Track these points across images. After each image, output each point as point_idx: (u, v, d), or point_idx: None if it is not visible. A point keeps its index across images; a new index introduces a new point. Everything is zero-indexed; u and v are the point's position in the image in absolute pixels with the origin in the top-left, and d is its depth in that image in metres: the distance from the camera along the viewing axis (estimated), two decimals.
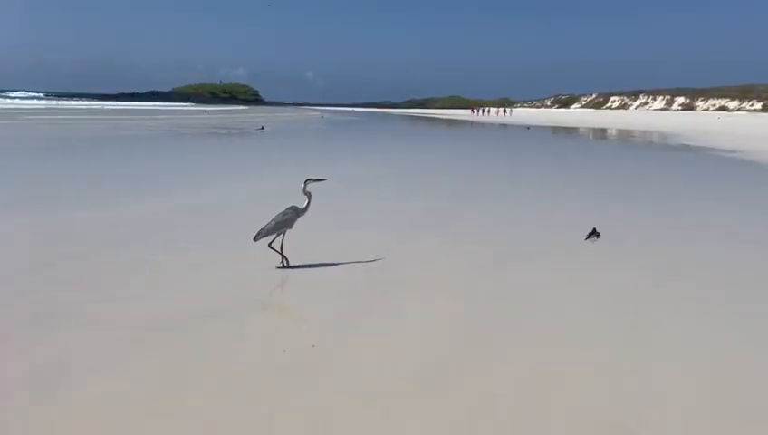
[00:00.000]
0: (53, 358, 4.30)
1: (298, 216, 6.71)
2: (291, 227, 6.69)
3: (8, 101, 79.98)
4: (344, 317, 5.38)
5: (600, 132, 50.95)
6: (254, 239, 6.45)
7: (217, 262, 6.94)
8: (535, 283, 6.62)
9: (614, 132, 50.79)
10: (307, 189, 6.75)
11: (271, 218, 6.55)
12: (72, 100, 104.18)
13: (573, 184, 15.78)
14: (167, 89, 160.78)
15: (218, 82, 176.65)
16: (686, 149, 30.17)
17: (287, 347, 4.62)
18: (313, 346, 4.66)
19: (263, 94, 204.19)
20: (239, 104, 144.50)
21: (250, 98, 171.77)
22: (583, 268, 7.29)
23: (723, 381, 4.35)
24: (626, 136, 44.66)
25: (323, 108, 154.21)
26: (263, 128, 40.79)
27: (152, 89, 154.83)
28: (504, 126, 60.86)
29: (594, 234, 8.90)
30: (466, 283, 6.52)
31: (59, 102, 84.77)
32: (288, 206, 6.68)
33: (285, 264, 6.67)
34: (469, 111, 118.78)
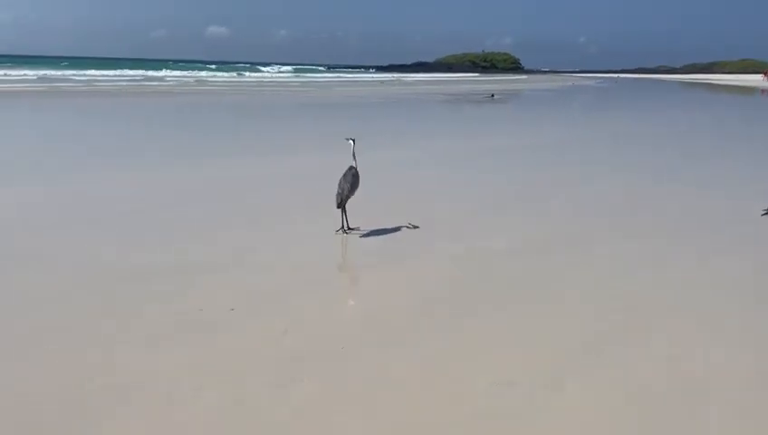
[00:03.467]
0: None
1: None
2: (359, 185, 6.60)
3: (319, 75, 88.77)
4: (294, 288, 5.03)
5: None
6: (339, 206, 6.37)
7: (253, 224, 7.07)
8: (547, 270, 5.49)
9: None
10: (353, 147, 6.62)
11: (339, 183, 6.35)
12: (356, 72, 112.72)
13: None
14: (431, 59, 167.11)
15: (480, 51, 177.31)
16: None
17: (208, 307, 4.50)
18: (232, 310, 4.47)
19: (524, 62, 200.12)
20: (497, 73, 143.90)
21: (509, 66, 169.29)
22: (627, 260, 5.76)
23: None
24: None
25: (590, 75, 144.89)
26: (493, 96, 40.01)
27: (418, 60, 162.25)
28: None
29: None
30: (468, 266, 5.70)
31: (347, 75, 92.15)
32: (350, 167, 6.51)
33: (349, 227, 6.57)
34: (761, 76, 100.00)
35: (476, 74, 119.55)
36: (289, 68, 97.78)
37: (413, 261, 5.78)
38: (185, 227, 6.78)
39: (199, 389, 3.41)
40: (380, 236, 6.48)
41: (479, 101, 35.20)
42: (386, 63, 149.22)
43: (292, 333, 4.17)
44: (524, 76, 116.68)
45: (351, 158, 6.56)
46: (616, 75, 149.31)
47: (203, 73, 60.22)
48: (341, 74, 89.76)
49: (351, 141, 6.61)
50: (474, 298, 4.92)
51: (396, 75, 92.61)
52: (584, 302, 4.88)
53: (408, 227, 6.69)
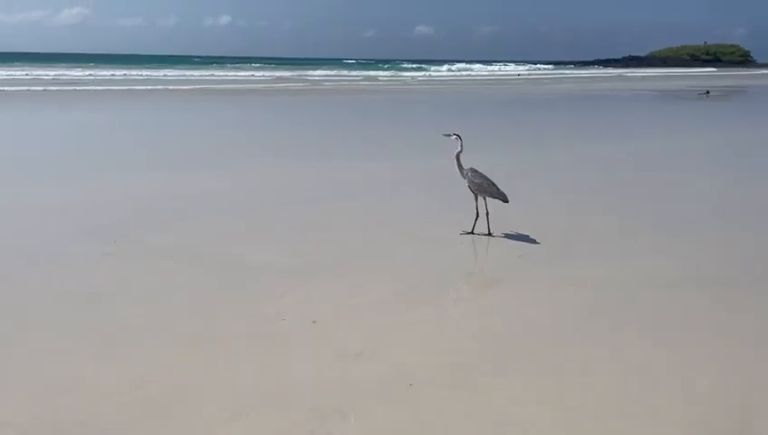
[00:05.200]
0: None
1: None
2: None
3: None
4: (388, 303, 4.49)
5: None
6: (508, 201, 5.83)
7: (383, 224, 6.65)
8: None
9: None
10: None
11: (489, 183, 5.88)
12: (562, 68, 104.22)
13: None
14: (643, 53, 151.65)
15: (701, 44, 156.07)
16: None
17: (291, 316, 4.20)
18: (314, 322, 4.10)
19: (758, 55, 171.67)
20: (723, 68, 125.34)
21: (737, 60, 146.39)
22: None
23: None
24: None
25: None
26: (708, 93, 34.70)
27: (629, 54, 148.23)
28: None
29: None
30: (599, 296, 4.58)
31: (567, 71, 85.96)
32: (471, 168, 5.95)
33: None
34: None
35: (697, 69, 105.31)
36: (524, 67, 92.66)
37: (535, 283, 4.89)
38: (318, 222, 6.64)
39: (239, 412, 3.09)
40: (510, 247, 5.68)
41: (690, 99, 30.82)
42: (591, 58, 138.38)
43: (364, 358, 3.67)
44: (762, 71, 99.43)
45: (456, 160, 5.95)
46: None
47: (412, 74, 60.75)
48: (565, 70, 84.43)
49: (457, 138, 5.96)
50: (591, 339, 3.95)
51: (618, 71, 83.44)
52: (744, 366, 3.62)
53: (531, 240, 5.77)
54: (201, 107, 22.27)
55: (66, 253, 5.36)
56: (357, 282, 4.86)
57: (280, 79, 43.68)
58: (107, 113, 19.36)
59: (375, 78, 49.89)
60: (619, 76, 63.18)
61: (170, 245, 5.65)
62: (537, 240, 5.87)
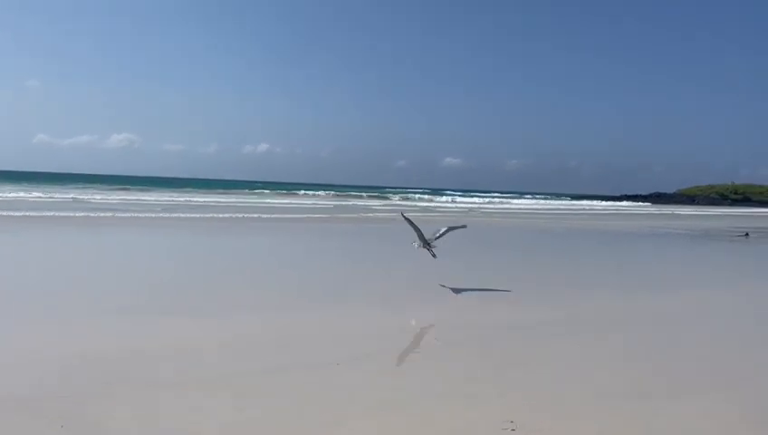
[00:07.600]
0: None
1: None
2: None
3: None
4: None
5: None
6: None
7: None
8: None
9: None
10: None
11: None
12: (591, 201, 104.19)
13: None
14: (671, 190, 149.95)
15: (729, 183, 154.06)
16: None
17: None
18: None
19: None
20: (752, 207, 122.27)
21: (766, 199, 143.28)
22: None
23: None
24: None
25: None
26: (747, 234, 32.65)
27: (656, 190, 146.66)
28: None
29: None
30: None
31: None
32: None
33: None
34: None
35: (728, 208, 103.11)
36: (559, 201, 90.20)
37: None
38: (349, 402, 5.08)
39: None
40: None
41: (729, 240, 28.86)
42: (618, 193, 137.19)
43: None
44: None
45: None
46: None
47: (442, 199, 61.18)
48: (619, 205, 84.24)
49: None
50: None
51: (671, 208, 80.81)
52: None
53: None
54: (271, 236, 21.09)
55: None
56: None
57: (341, 208, 41.78)
58: (145, 238, 18.84)
59: (432, 208, 48.78)
60: (672, 214, 59.34)
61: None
62: None
